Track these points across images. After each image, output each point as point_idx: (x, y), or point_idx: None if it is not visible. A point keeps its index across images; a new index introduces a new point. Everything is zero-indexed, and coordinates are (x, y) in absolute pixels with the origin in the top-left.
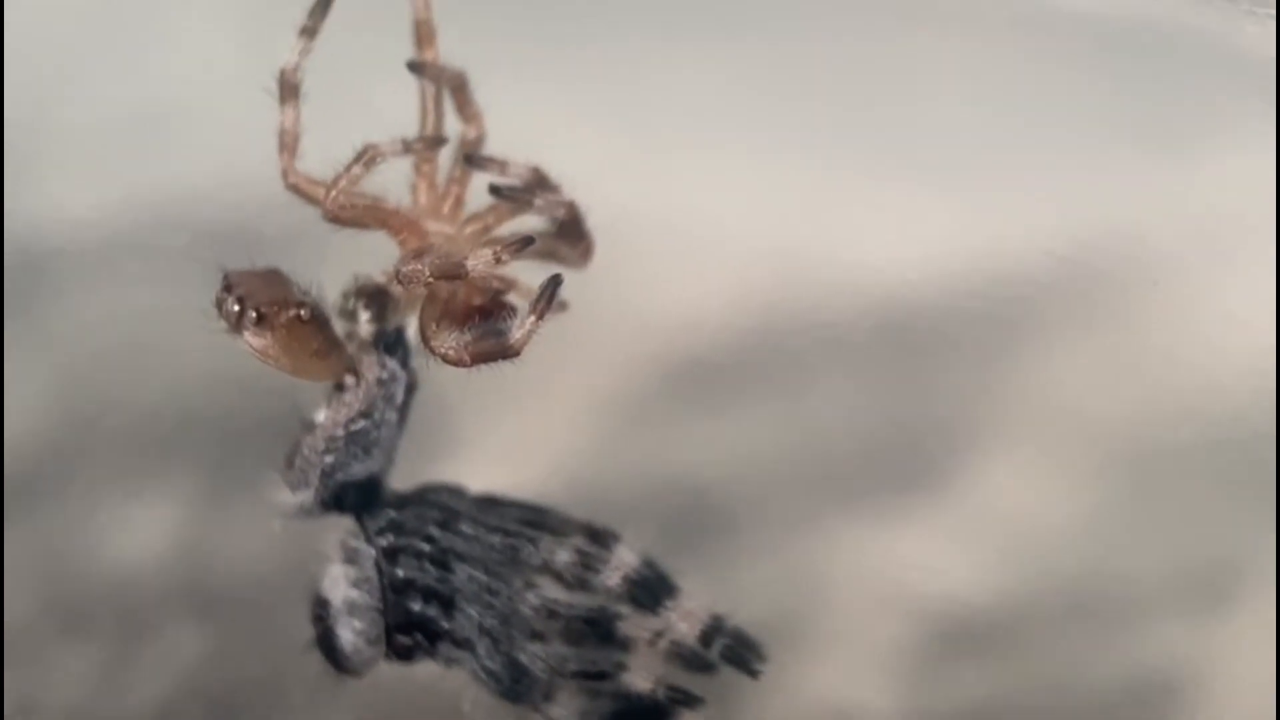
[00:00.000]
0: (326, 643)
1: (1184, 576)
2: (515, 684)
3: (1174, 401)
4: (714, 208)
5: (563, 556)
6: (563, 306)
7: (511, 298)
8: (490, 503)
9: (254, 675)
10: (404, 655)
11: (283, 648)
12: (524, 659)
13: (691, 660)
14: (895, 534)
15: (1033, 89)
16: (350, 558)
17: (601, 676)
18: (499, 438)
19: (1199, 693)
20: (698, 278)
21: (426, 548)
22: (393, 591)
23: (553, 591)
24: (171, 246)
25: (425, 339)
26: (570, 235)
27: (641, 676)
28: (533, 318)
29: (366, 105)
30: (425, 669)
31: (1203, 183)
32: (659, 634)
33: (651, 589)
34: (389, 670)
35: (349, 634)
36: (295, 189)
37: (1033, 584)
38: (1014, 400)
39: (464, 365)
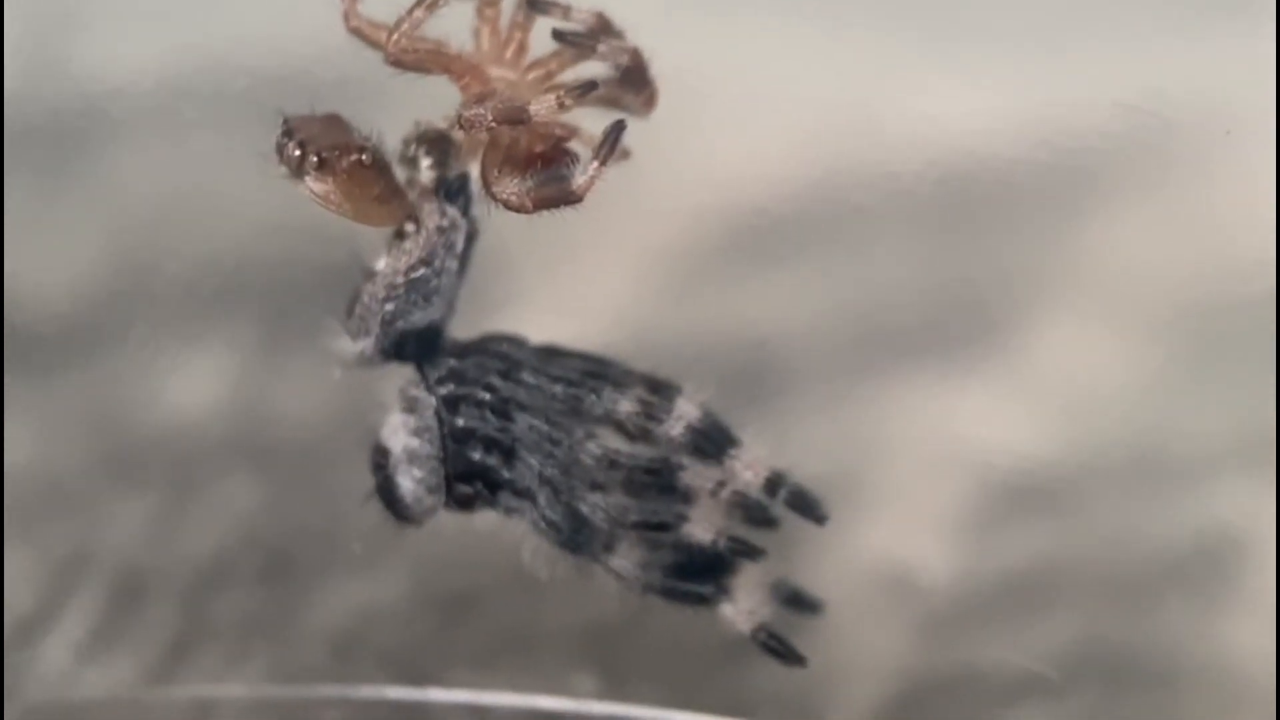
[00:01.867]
0: (387, 491)
1: (1246, 435)
2: (575, 534)
3: (1239, 259)
4: (778, 59)
5: (624, 407)
6: (626, 154)
7: (574, 145)
8: (551, 353)
9: (310, 524)
10: (464, 504)
11: (339, 497)
12: (584, 509)
13: (754, 511)
14: (956, 392)
15: None
16: (410, 406)
17: (662, 527)
18: (558, 290)
19: (1262, 550)
20: (761, 130)
21: (487, 397)
22: (453, 440)
23: (614, 442)
24: (231, 92)
25: (487, 185)
26: (634, 82)
27: (702, 528)
28: (595, 163)
29: None
30: (485, 519)
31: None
32: (721, 484)
33: (715, 439)
34: (448, 520)
35: (409, 482)
36: (357, 32)
37: (1094, 443)
38: (1079, 257)
39: (526, 211)
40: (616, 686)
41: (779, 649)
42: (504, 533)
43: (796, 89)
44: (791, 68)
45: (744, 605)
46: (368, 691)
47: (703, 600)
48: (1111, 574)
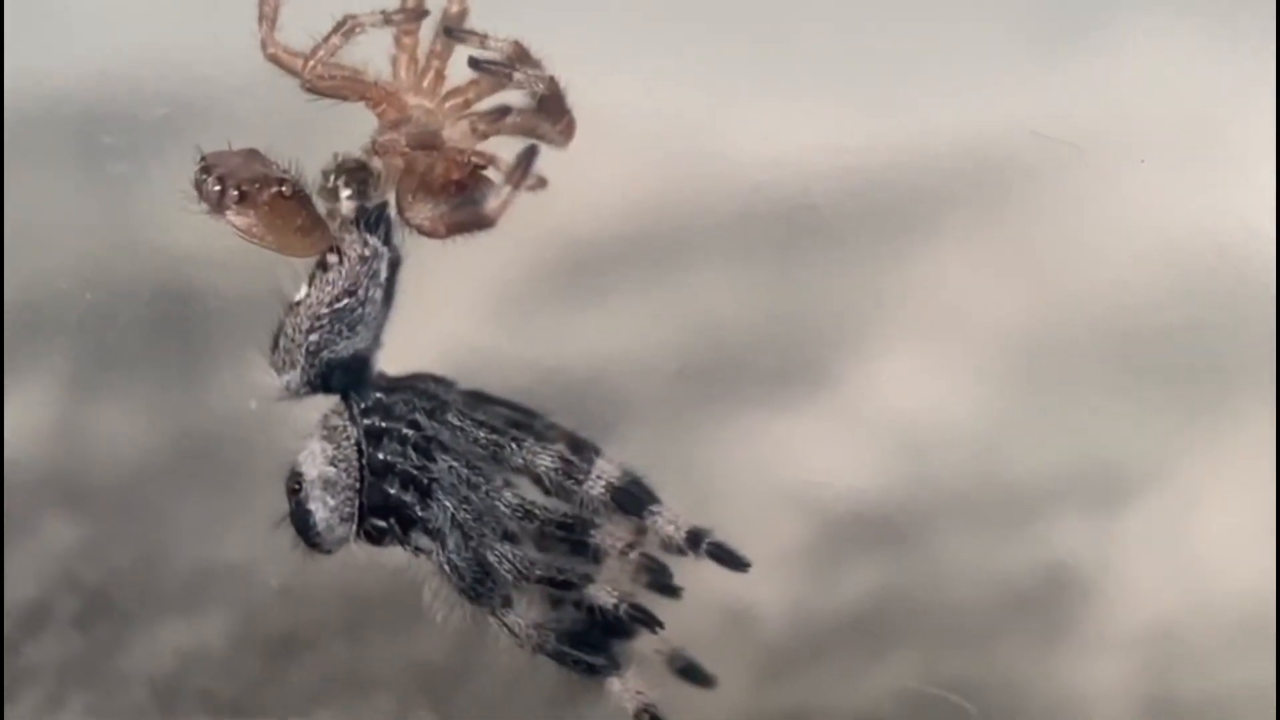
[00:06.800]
0: (299, 517)
1: (1080, 472)
2: (477, 583)
3: (1070, 297)
4: (611, 88)
5: (544, 462)
6: (542, 182)
7: (490, 173)
8: (479, 398)
9: (127, 566)
10: (374, 539)
11: (157, 537)
12: (492, 558)
13: (658, 576)
14: (790, 426)
15: None
16: (330, 435)
17: (566, 585)
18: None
19: (1103, 585)
20: (592, 160)
21: (411, 434)
22: (371, 473)
23: (531, 494)
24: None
25: (401, 210)
26: (551, 111)
27: (606, 591)
28: (508, 188)
29: None
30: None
31: (1100, 76)
32: (631, 545)
33: (637, 496)
34: (272, 561)
35: (322, 510)
36: (275, 60)
37: (932, 479)
38: (910, 295)
39: (439, 236)
40: None
41: None
42: (337, 572)
43: (628, 119)
44: (624, 97)
45: (632, 684)
46: None
47: (592, 670)
48: (951, 611)
